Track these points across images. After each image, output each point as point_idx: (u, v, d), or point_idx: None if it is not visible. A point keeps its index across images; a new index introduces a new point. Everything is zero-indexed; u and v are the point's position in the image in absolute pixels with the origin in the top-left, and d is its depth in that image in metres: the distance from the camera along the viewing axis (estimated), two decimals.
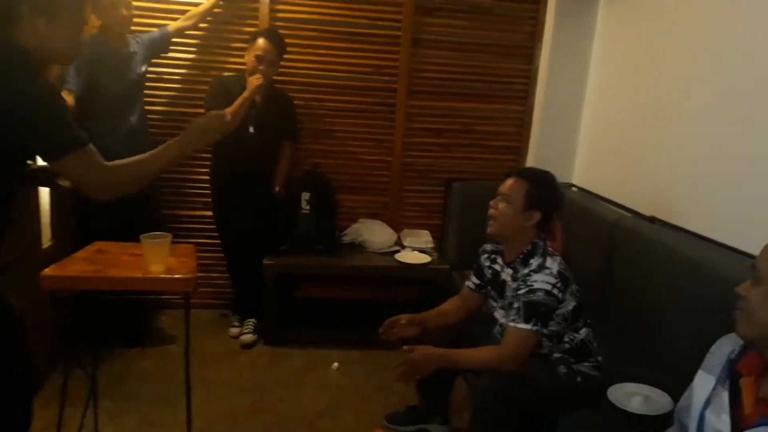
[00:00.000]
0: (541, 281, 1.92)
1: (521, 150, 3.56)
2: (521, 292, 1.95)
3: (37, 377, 1.64)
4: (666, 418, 1.71)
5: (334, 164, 3.44)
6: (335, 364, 2.96)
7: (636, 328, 2.35)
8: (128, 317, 3.04)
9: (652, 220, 2.55)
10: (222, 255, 3.30)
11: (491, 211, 2.10)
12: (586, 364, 2.04)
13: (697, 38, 2.39)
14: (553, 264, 1.97)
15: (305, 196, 3.19)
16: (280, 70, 3.08)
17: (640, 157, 2.75)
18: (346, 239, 3.37)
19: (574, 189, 3.31)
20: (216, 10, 3.16)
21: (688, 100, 2.42)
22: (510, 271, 2.09)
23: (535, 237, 2.05)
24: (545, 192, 2.06)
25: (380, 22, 3.33)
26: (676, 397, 1.60)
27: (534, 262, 1.99)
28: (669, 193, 2.52)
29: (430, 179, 3.58)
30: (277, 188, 3.12)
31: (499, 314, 2.15)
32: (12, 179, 1.47)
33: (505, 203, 2.05)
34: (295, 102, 3.25)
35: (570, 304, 1.98)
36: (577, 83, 3.30)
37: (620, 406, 1.85)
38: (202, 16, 3.12)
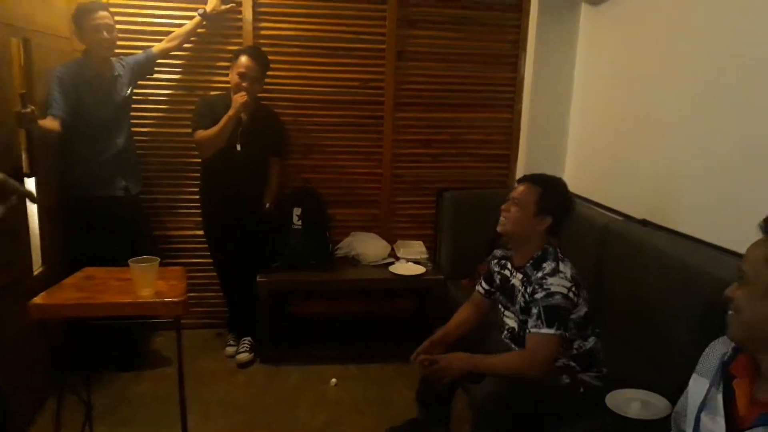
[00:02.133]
0: (557, 284, 1.93)
1: (510, 157, 3.57)
2: (538, 296, 1.94)
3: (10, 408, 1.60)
4: (664, 422, 1.70)
5: (324, 179, 3.44)
6: (333, 380, 2.94)
7: (630, 333, 2.34)
8: (121, 341, 3.01)
9: (644, 223, 2.55)
10: (215, 274, 3.28)
11: (503, 213, 2.11)
12: (590, 374, 2.03)
13: (680, 40, 2.41)
14: (566, 268, 1.98)
15: (296, 211, 3.19)
16: (266, 87, 3.09)
17: (630, 160, 2.75)
18: (340, 253, 3.37)
19: None
20: (200, 30, 3.16)
21: (675, 101, 2.43)
22: (520, 275, 2.09)
23: (545, 242, 2.06)
24: (556, 197, 2.07)
25: (364, 36, 3.34)
26: (674, 401, 1.60)
27: (547, 266, 1.99)
28: (660, 195, 2.52)
29: (421, 190, 3.58)
30: (267, 205, 3.11)
31: (509, 320, 2.16)
32: None
33: (517, 207, 2.06)
34: (283, 118, 3.26)
35: (582, 310, 1.99)
36: (563, 89, 3.31)
37: (619, 412, 1.84)
38: (187, 37, 3.13)
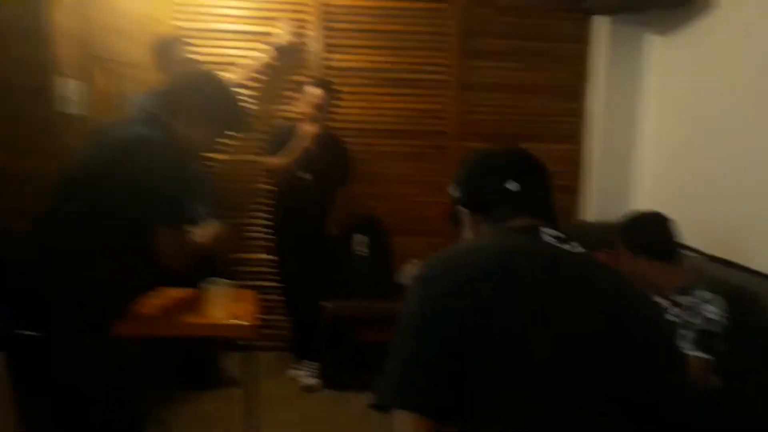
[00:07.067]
0: None
1: (577, 189, 3.51)
2: None
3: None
4: None
5: (387, 207, 3.48)
6: None
7: None
8: (191, 361, 3.11)
9: (721, 261, 2.43)
10: (282, 298, 3.35)
11: None
12: None
13: (757, 72, 2.32)
14: None
15: (361, 239, 3.23)
16: (332, 116, 3.17)
17: (706, 195, 2.65)
18: (402, 281, 3.37)
19: None
20: (272, 62, 3.29)
21: (750, 135, 2.34)
22: None
23: None
24: None
25: (428, 67, 3.40)
26: None
27: None
28: (734, 232, 2.41)
29: None
30: (332, 232, 3.17)
31: None
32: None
33: None
34: (347, 147, 3.33)
35: None
36: (631, 120, 3.24)
37: None
38: (260, 69, 3.25)
